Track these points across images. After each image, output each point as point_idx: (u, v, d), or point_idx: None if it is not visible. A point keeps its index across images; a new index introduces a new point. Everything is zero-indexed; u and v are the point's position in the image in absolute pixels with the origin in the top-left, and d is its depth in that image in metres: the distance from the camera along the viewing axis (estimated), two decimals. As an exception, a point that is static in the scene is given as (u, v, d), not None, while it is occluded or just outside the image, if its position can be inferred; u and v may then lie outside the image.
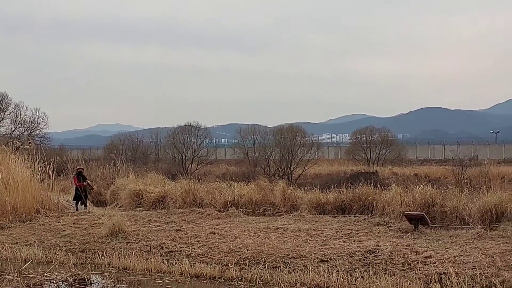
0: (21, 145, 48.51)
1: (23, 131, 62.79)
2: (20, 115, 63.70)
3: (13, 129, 62.88)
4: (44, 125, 64.11)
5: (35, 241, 21.03)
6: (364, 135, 74.45)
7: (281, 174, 50.35)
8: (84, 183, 29.00)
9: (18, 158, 27.56)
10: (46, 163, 28.33)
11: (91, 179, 36.28)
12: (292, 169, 54.04)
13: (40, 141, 57.71)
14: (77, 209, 27.48)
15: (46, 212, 25.67)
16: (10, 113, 63.89)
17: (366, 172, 48.80)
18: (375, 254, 16.51)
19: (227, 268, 16.58)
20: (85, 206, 28.12)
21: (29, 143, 52.15)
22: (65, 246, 20.21)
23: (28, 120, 63.48)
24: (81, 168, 30.92)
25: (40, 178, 27.52)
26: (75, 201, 28.44)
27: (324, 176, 52.34)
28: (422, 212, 20.79)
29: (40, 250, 19.89)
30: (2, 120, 63.78)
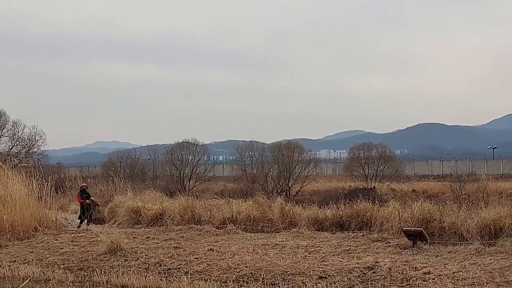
0: (19, 162, 48.54)
1: (21, 148, 62.75)
2: (18, 132, 63.74)
3: (11, 146, 62.87)
4: (42, 143, 64.12)
5: (33, 259, 20.94)
6: (362, 151, 74.60)
7: (279, 191, 50.40)
8: (88, 200, 28.94)
9: (16, 176, 27.54)
10: (44, 181, 28.29)
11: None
12: (290, 186, 54.12)
13: (38, 159, 57.66)
14: (79, 227, 27.39)
15: (44, 230, 25.63)
16: (8, 130, 63.91)
17: (364, 188, 48.89)
18: (373, 271, 16.49)
19: (225, 285, 16.52)
20: (88, 223, 28.06)
21: (27, 160, 52.17)
22: (63, 264, 20.11)
23: (26, 138, 63.49)
24: (84, 185, 30.82)
25: (38, 196, 27.49)
26: (79, 220, 28.37)
27: (322, 193, 52.39)
28: (420, 228, 20.79)
29: (38, 268, 19.80)
30: (0, 137, 63.80)
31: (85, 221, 28.33)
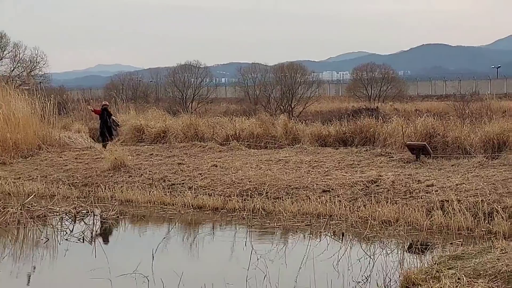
0: (21, 83, 48.43)
1: (22, 70, 62.31)
2: (19, 54, 63.10)
3: (12, 68, 62.40)
4: (44, 64, 63.51)
5: (37, 176, 21.07)
6: (364, 72, 73.93)
7: (282, 111, 50.25)
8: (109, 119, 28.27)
9: (18, 95, 27.46)
10: (47, 101, 28.19)
11: (92, 117, 36.24)
12: (293, 107, 53.88)
13: (40, 81, 57.37)
14: (104, 146, 26.53)
15: (47, 148, 25.71)
16: (9, 52, 63.29)
17: (367, 108, 48.66)
18: (377, 184, 16.56)
19: (229, 199, 16.66)
20: (110, 140, 27.47)
21: (29, 81, 51.99)
22: (67, 181, 20.25)
23: (27, 60, 62.88)
24: (106, 104, 29.82)
25: (41, 115, 27.44)
26: (101, 137, 28.02)
27: (325, 113, 52.15)
28: (423, 142, 20.78)
29: (43, 184, 19.96)
30: (1, 59, 63.23)
31: (106, 139, 27.62)
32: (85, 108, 39.19)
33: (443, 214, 13.67)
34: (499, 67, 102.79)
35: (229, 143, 25.14)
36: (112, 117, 28.67)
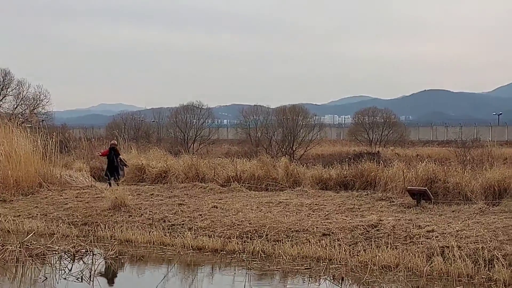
0: (24, 121, 48.52)
1: (26, 108, 62.55)
2: (23, 92, 63.43)
3: (15, 106, 62.69)
4: (47, 102, 63.75)
5: (37, 214, 21.06)
6: (366, 116, 74.23)
7: (283, 154, 50.31)
8: (117, 158, 27.97)
9: (21, 133, 27.53)
10: (49, 139, 28.27)
11: (94, 156, 36.27)
12: (294, 149, 53.97)
13: (42, 119, 57.54)
14: (110, 185, 26.56)
15: (48, 186, 25.70)
16: (13, 89, 63.65)
17: (368, 152, 48.74)
18: (377, 228, 16.53)
19: (229, 241, 16.62)
20: (115, 182, 27.46)
21: (32, 118, 52.05)
22: (67, 219, 20.23)
23: (31, 97, 63.18)
24: (114, 143, 29.74)
25: (43, 153, 27.49)
26: (107, 176, 27.88)
27: (326, 156, 52.22)
28: (424, 187, 20.78)
29: (43, 222, 19.93)
30: (5, 97, 63.53)
31: (112, 178, 27.63)
32: (86, 147, 39.30)
33: (443, 260, 13.63)
34: (501, 114, 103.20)
35: (230, 185, 25.12)
36: (120, 156, 28.62)
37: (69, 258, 15.48)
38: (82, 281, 13.55)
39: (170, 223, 18.85)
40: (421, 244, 14.90)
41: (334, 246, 15.36)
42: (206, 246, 16.46)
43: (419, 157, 47.66)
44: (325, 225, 17.25)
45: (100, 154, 29.84)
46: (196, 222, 18.58)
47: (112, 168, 27.92)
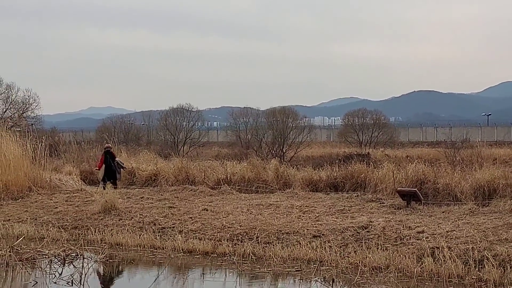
0: (13, 125, 48.36)
1: (15, 112, 62.27)
2: (12, 95, 63.13)
3: (4, 110, 62.38)
4: (36, 106, 63.47)
5: (27, 218, 20.97)
6: (356, 118, 74.34)
7: (273, 156, 50.34)
8: (113, 163, 27.97)
9: (10, 137, 27.42)
10: (38, 142, 28.18)
11: (84, 160, 36.20)
12: (284, 151, 54.01)
13: (32, 123, 57.34)
14: (104, 188, 26.06)
15: (38, 190, 25.60)
16: (2, 93, 63.28)
17: (358, 154, 48.84)
18: (367, 230, 16.55)
19: (220, 244, 16.60)
20: (114, 184, 27.18)
21: (21, 122, 51.94)
22: (57, 223, 20.16)
23: (20, 101, 62.88)
24: (109, 146, 29.44)
25: (32, 157, 27.40)
26: (102, 181, 27.57)
27: (316, 158, 52.26)
28: (414, 188, 20.83)
29: (33, 226, 19.85)
30: (-6, 101, 63.25)
31: (109, 182, 26.93)
32: (76, 150, 39.17)
33: (434, 261, 13.65)
34: (490, 114, 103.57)
35: (220, 187, 25.11)
36: (116, 159, 28.38)
37: (59, 262, 15.42)
38: (72, 285, 13.50)
39: (160, 226, 18.81)
40: (412, 245, 14.92)
41: (325, 248, 15.35)
42: (197, 249, 16.43)
43: (409, 158, 47.75)
44: (316, 227, 17.26)
45: (97, 168, 28.96)
46: (187, 225, 18.56)
47: (110, 172, 27.70)
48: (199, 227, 18.28)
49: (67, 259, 15.57)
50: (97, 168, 29.14)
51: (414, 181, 22.30)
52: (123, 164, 28.98)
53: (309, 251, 15.31)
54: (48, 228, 19.53)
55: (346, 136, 72.78)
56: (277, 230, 17.16)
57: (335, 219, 18.03)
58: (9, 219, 21.13)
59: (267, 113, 62.99)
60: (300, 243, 15.92)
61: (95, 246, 17.17)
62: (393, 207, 19.66)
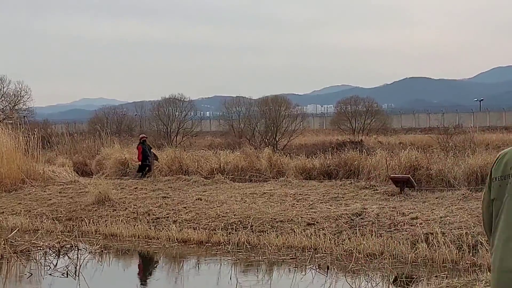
0: (5, 117, 48.25)
1: (6, 104, 62.21)
2: (3, 88, 63.07)
3: (-5, 102, 62.39)
4: (28, 98, 63.49)
5: (21, 211, 20.96)
6: (348, 105, 74.30)
7: (266, 145, 50.33)
8: (149, 158, 27.29)
9: (2, 129, 27.35)
10: (31, 134, 28.12)
11: (77, 151, 36.14)
12: (277, 140, 53.99)
13: (24, 115, 57.26)
14: (143, 176, 26.31)
15: (31, 182, 25.54)
16: (-7, 86, 63.28)
17: (351, 141, 48.84)
18: (361, 217, 16.58)
19: (214, 233, 16.63)
20: (149, 172, 26.92)
21: (12, 115, 51.79)
22: (51, 215, 20.15)
23: (11, 94, 62.86)
24: (144, 136, 28.81)
25: (25, 149, 27.36)
26: (140, 172, 27.15)
27: (309, 146, 52.24)
28: (408, 175, 20.87)
29: (27, 219, 19.83)
30: (-15, 93, 63.19)
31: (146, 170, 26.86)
32: (69, 142, 39.09)
33: (428, 247, 13.70)
34: (482, 100, 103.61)
35: (214, 177, 25.07)
36: (152, 150, 27.95)
37: (54, 254, 15.45)
38: (67, 277, 13.51)
39: (154, 216, 18.83)
40: (406, 231, 14.96)
41: (319, 235, 15.38)
42: (191, 239, 16.45)
43: (402, 144, 47.82)
44: (310, 214, 17.28)
45: (139, 159, 27.57)
46: (181, 215, 18.58)
47: (147, 162, 27.13)
48: (193, 217, 18.29)
49: (62, 251, 15.60)
50: (139, 159, 27.61)
51: (407, 168, 22.33)
52: (156, 155, 28.56)
53: (304, 238, 15.34)
54: (42, 220, 19.53)
55: (339, 123, 72.73)
56: (271, 218, 17.18)
57: (329, 207, 18.05)
58: (3, 212, 21.12)
59: (260, 102, 62.83)
60: (294, 231, 15.95)
61: (90, 237, 17.17)
62: (386, 193, 19.67)
